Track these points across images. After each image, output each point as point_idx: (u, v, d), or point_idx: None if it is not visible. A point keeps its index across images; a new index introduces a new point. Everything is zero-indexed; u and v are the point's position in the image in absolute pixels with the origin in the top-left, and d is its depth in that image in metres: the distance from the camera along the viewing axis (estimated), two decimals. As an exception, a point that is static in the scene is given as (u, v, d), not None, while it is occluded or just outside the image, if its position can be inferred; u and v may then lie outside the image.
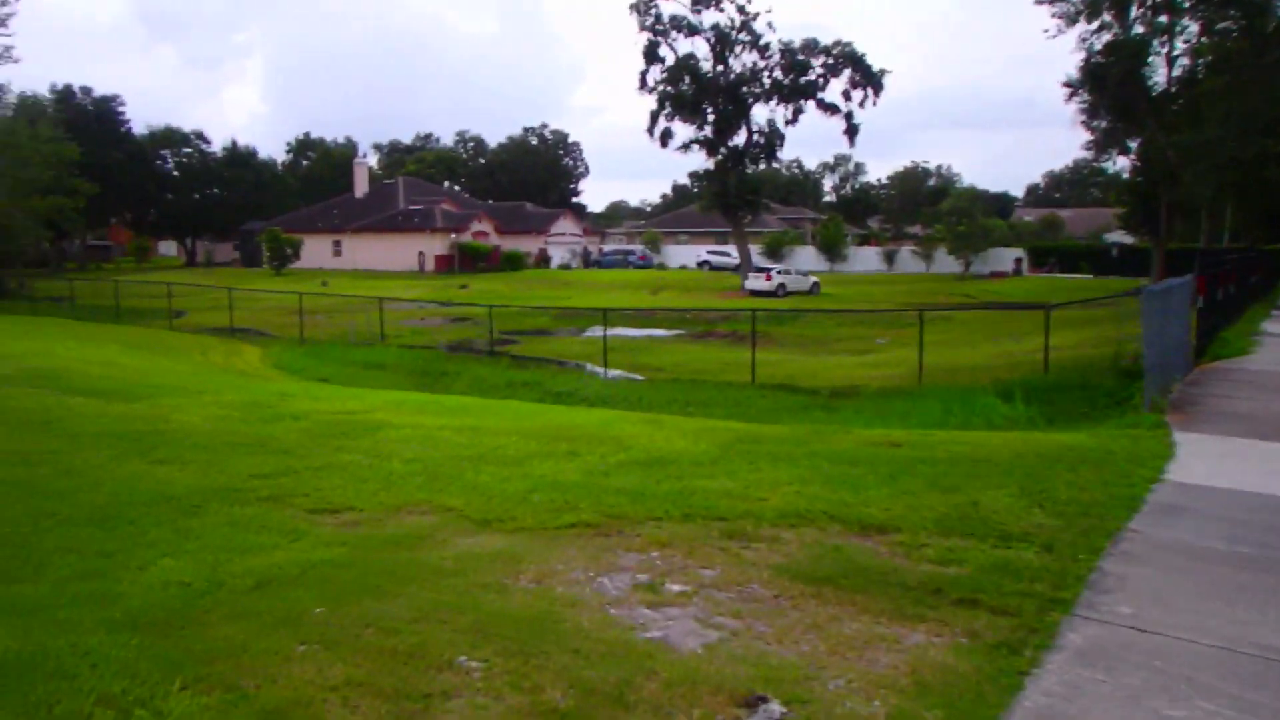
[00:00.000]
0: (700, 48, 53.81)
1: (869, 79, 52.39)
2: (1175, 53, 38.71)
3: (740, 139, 55.19)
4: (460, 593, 5.08)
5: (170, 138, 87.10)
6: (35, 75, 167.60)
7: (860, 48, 52.51)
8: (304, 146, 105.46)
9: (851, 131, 54.03)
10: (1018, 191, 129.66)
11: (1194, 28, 38.13)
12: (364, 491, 7.37)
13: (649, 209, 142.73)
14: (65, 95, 73.85)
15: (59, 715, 3.70)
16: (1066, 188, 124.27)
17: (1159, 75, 39.02)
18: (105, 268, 72.81)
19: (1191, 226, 55.29)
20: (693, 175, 76.49)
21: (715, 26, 52.77)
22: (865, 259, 71.58)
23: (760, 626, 4.71)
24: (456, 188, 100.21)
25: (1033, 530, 6.27)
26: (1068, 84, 40.46)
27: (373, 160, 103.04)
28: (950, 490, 7.24)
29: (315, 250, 71.04)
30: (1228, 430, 10.19)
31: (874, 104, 52.97)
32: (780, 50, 53.07)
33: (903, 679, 4.13)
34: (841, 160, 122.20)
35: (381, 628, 4.56)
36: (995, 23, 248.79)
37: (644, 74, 54.00)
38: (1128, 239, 62.05)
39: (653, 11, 52.75)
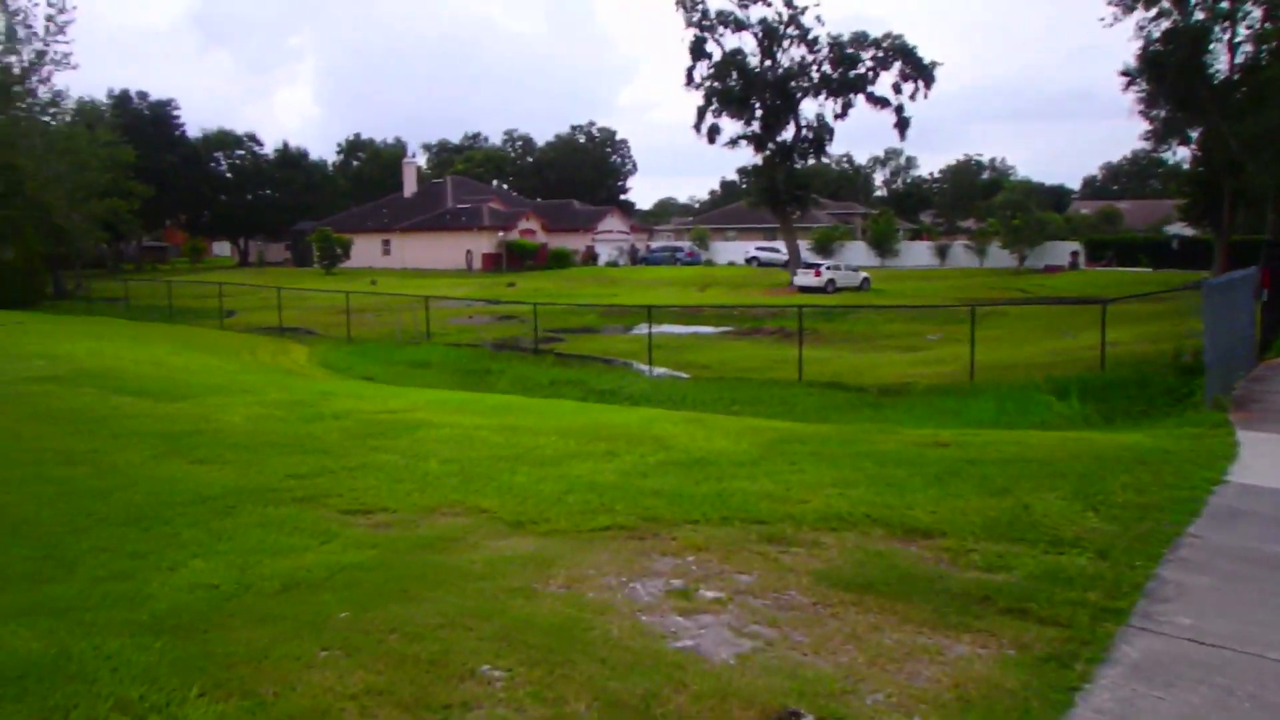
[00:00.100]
0: (748, 43, 53.66)
1: (920, 71, 51.71)
2: (1237, 39, 37.79)
3: (789, 134, 54.92)
4: (488, 598, 4.96)
5: (224, 140, 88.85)
6: (93, 81, 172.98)
7: (910, 40, 51.92)
8: (354, 147, 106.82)
9: (902, 125, 53.51)
10: (1074, 184, 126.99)
11: (1257, 13, 37.11)
12: (398, 492, 7.31)
13: (697, 205, 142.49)
14: (122, 100, 75.60)
15: (74, 721, 3.63)
16: (1124, 179, 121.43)
17: (1220, 63, 38.17)
18: (160, 269, 74.56)
19: (1256, 217, 53.57)
20: (741, 171, 76.49)
21: (763, 21, 52.49)
22: (917, 254, 70.39)
23: (797, 636, 4.53)
24: (504, 186, 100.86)
25: (1086, 535, 6.00)
26: (1125, 73, 39.74)
27: (421, 160, 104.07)
28: (999, 493, 6.98)
29: (365, 249, 72.04)
30: (1295, 429, 9.77)
31: (925, 97, 52.50)
32: (829, 44, 52.69)
33: (945, 694, 3.93)
34: (892, 154, 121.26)
35: (405, 633, 4.46)
36: (1049, 12, 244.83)
37: (690, 70, 53.98)
38: (1188, 231, 60.29)
39: (699, 7, 52.67)
